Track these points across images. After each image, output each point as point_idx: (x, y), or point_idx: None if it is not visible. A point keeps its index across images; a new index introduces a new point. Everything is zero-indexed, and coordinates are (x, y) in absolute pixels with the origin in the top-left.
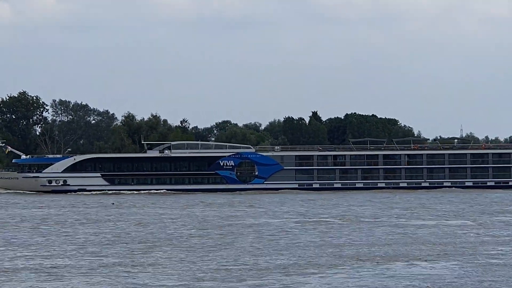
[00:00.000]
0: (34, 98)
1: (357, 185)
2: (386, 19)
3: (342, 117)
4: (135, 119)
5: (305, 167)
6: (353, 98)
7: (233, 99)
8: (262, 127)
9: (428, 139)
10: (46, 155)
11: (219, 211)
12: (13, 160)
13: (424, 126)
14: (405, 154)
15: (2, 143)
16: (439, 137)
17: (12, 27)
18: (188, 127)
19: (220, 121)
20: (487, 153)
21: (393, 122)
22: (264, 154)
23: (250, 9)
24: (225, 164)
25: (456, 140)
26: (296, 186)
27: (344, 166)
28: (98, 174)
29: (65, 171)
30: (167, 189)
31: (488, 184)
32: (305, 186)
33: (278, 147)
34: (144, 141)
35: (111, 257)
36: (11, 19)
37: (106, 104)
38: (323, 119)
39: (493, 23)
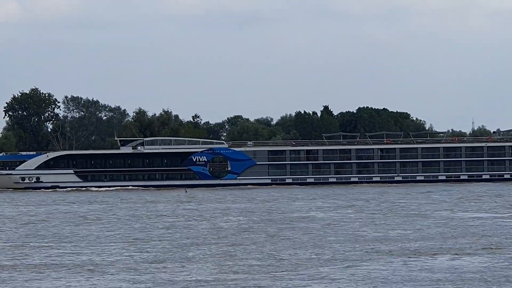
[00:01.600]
0: (46, 94)
1: (330, 180)
2: (394, 14)
3: (354, 111)
4: (147, 115)
5: (277, 162)
6: (364, 92)
7: (244, 94)
8: (274, 122)
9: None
10: (20, 153)
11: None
12: None
13: (436, 119)
14: (378, 149)
15: None
16: (450, 130)
17: (21, 24)
18: (200, 122)
19: (231, 116)
20: (460, 147)
21: (405, 115)
22: (237, 149)
23: (258, 4)
24: (197, 160)
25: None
26: (269, 181)
27: (317, 161)
28: (71, 171)
29: (38, 168)
30: (140, 185)
31: (461, 177)
32: (278, 181)
33: (251, 143)
34: (117, 138)
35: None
36: (20, 17)
37: (118, 100)
38: (335, 113)
39: (501, 16)
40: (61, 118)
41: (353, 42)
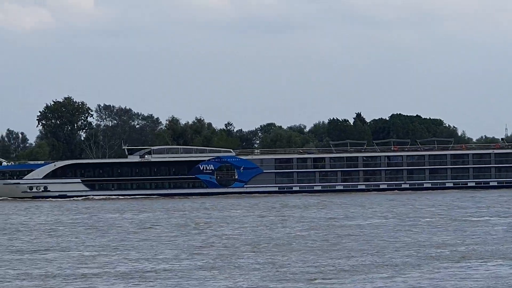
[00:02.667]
0: (79, 103)
1: (337, 188)
2: (424, 19)
3: (387, 118)
4: (180, 123)
5: (285, 170)
6: (397, 99)
7: (277, 101)
8: (307, 129)
9: (472, 139)
10: (28, 162)
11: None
12: None
13: (468, 125)
14: (385, 156)
15: None
16: (484, 137)
17: (54, 32)
18: (233, 130)
19: (264, 124)
20: (467, 154)
21: (438, 122)
22: (244, 157)
23: (288, 11)
24: (205, 168)
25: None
26: (276, 189)
27: (324, 168)
28: (79, 180)
29: (45, 177)
30: (148, 194)
31: (469, 185)
32: (285, 189)
33: (258, 151)
34: (125, 146)
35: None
36: (52, 25)
37: (150, 108)
38: (367, 120)
39: None
40: (94, 126)
41: (384, 48)
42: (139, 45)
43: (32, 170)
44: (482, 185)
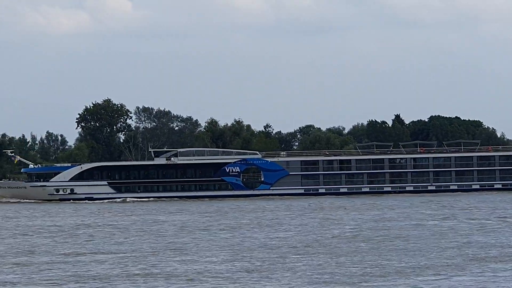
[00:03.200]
0: (118, 105)
1: (363, 190)
2: (463, 21)
3: (426, 120)
4: (218, 125)
5: (310, 172)
6: (436, 101)
7: (316, 103)
8: (346, 131)
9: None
10: (55, 164)
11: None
12: (22, 170)
13: (508, 127)
14: (411, 158)
15: (11, 153)
16: None
17: (93, 35)
18: (272, 132)
19: (303, 126)
20: (493, 156)
21: (477, 124)
22: (270, 160)
23: (328, 13)
24: (231, 171)
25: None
26: (302, 191)
27: (350, 170)
28: (105, 182)
29: (72, 179)
30: (174, 196)
31: (495, 186)
32: (311, 191)
33: (284, 153)
34: (151, 149)
35: None
36: (91, 28)
37: (189, 110)
38: (406, 121)
39: None
40: (133, 128)
41: (423, 50)
42: (178, 48)
43: (58, 173)
44: (509, 187)
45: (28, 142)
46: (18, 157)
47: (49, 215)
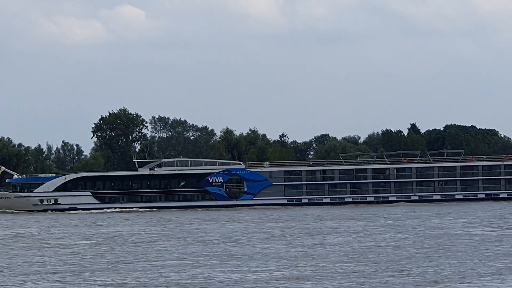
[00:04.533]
0: (134, 115)
1: (346, 200)
2: (479, 30)
3: (441, 129)
4: (234, 134)
5: (294, 183)
6: (452, 110)
7: (331, 112)
8: (361, 140)
9: None
10: (39, 175)
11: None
12: (6, 180)
13: None
14: (394, 168)
15: None
16: None
17: (107, 45)
18: (287, 141)
19: (319, 135)
20: (477, 166)
21: (493, 132)
22: (253, 170)
23: (343, 22)
24: (214, 181)
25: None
26: (285, 201)
27: (333, 181)
28: (89, 193)
29: (56, 190)
30: (157, 207)
31: (479, 196)
32: (294, 202)
33: (267, 163)
34: (135, 159)
35: None
36: (106, 38)
37: (205, 120)
38: (422, 130)
39: None
40: (149, 138)
41: (438, 59)
42: (193, 57)
43: (43, 183)
44: (492, 196)
45: (44, 151)
46: (3, 167)
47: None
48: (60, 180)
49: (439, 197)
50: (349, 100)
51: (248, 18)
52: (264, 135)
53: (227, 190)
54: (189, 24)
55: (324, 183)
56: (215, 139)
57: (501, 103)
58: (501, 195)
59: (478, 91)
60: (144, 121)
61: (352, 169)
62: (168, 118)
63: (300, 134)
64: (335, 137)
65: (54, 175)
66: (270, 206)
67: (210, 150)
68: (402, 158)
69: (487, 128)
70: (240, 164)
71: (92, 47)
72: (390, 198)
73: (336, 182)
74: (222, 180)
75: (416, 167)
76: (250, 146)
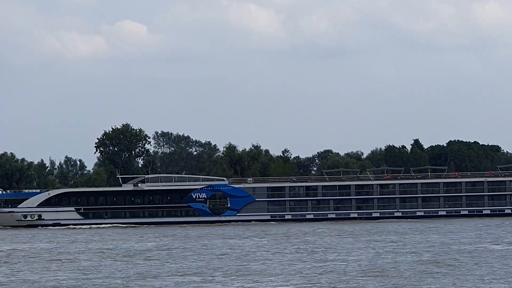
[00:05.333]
0: (137, 130)
1: (329, 216)
2: (481, 45)
3: (444, 145)
4: (237, 150)
5: (277, 199)
6: (455, 125)
7: (334, 128)
8: (364, 156)
9: None
10: (23, 190)
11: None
12: None
13: None
14: (377, 184)
15: None
16: None
17: (109, 60)
18: (290, 157)
19: (321, 151)
20: (460, 182)
21: (496, 148)
22: (236, 186)
23: (343, 37)
24: (197, 197)
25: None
26: (269, 217)
27: (317, 197)
28: (72, 208)
29: (40, 205)
30: (141, 223)
31: (462, 213)
32: (278, 218)
33: (251, 179)
34: (119, 175)
35: None
36: (107, 53)
37: (208, 135)
38: (425, 146)
39: None
40: (152, 153)
41: (441, 74)
42: (195, 72)
43: (26, 199)
44: (476, 213)
45: (47, 167)
46: None
47: None
48: (44, 196)
49: (422, 214)
50: (352, 116)
51: (250, 33)
52: (267, 151)
53: (211, 206)
54: (191, 39)
55: (307, 199)
56: (218, 155)
57: (504, 119)
58: (484, 212)
59: (481, 107)
60: (147, 136)
61: (336, 185)
62: (171, 133)
63: (303, 150)
64: (338, 153)
65: (38, 190)
66: (252, 222)
67: (213, 166)
68: (385, 175)
69: (489, 144)
70: (223, 180)
71: (94, 62)
72: (374, 215)
73: (320, 198)
74: (205, 196)
75: (399, 183)
76: (253, 161)
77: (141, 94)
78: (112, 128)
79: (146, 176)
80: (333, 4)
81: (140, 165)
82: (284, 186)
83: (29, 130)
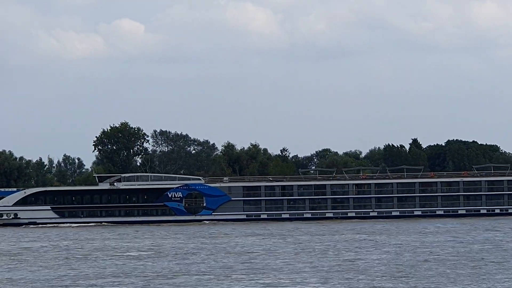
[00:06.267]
0: (135, 129)
1: (305, 216)
2: (480, 45)
3: (443, 144)
4: (235, 149)
5: (252, 198)
6: (453, 125)
7: (332, 127)
8: (363, 155)
9: None
10: None
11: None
12: None
13: None
14: (353, 184)
15: None
16: None
17: (108, 59)
18: (288, 156)
19: (320, 150)
20: (436, 182)
21: (494, 148)
22: (212, 185)
23: (341, 37)
24: (173, 196)
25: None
26: (244, 216)
27: (292, 196)
28: (48, 207)
29: (15, 204)
30: (117, 221)
31: (437, 213)
32: (253, 217)
33: (227, 178)
34: (95, 174)
35: None
36: (106, 52)
37: (206, 134)
38: (424, 146)
39: None
40: (150, 152)
41: (439, 74)
42: (193, 71)
43: (2, 197)
44: (451, 213)
45: (46, 165)
46: None
47: None
48: (20, 195)
49: (397, 213)
50: (351, 115)
51: (248, 33)
52: (265, 150)
53: (186, 205)
54: (188, 38)
55: (283, 198)
56: (216, 154)
57: (502, 118)
58: (459, 212)
59: (480, 107)
60: (146, 135)
61: (311, 185)
62: (169, 132)
63: (301, 149)
64: (337, 152)
65: (15, 189)
66: (229, 221)
67: (211, 165)
68: (361, 175)
69: (488, 144)
70: (199, 179)
71: (92, 61)
72: (349, 214)
73: (295, 198)
74: (181, 195)
75: (375, 183)
76: (251, 160)
77: (139, 93)
78: (111, 127)
79: (122, 175)
80: (330, 4)
81: (138, 164)
82: (260, 186)
83: (28, 128)
